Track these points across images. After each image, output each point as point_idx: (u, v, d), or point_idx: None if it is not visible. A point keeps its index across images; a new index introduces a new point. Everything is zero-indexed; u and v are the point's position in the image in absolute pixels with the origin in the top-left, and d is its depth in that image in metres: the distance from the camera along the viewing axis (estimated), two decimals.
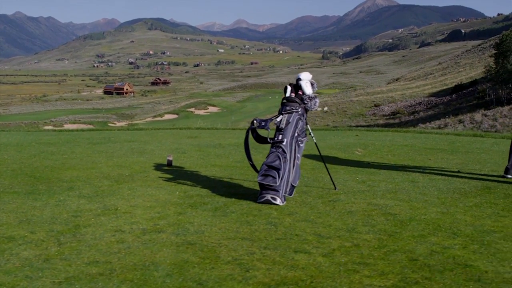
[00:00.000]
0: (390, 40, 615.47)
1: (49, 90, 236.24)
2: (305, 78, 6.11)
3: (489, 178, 7.00)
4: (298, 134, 5.80)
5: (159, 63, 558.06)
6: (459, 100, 64.05)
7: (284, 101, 5.96)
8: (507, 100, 53.19)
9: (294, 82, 6.23)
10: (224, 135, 13.28)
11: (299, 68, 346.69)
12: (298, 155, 5.81)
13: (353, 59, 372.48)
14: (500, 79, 56.10)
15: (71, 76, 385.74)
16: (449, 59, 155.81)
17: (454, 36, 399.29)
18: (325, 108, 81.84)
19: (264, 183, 5.44)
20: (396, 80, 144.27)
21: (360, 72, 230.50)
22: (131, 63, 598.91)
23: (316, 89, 6.20)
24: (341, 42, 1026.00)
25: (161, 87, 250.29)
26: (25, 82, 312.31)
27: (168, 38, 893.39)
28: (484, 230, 4.56)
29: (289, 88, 6.09)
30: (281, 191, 5.46)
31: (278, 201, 5.43)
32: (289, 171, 5.59)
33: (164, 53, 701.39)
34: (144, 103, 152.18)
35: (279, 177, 5.45)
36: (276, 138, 5.73)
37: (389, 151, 9.85)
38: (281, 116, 5.85)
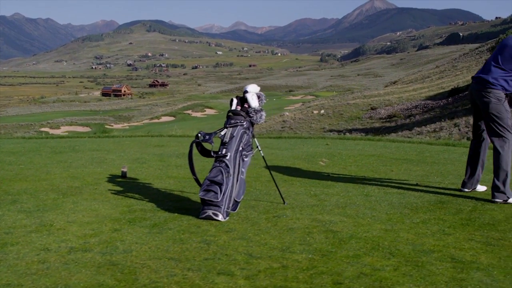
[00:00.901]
0: (388, 43, 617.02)
1: (47, 91, 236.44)
2: (252, 91, 5.97)
3: (446, 191, 6.77)
4: (242, 148, 5.65)
5: (157, 65, 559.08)
6: (455, 104, 63.92)
7: (229, 114, 5.82)
8: None
9: (257, 91, 6.09)
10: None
11: (297, 70, 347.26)
12: (243, 170, 5.65)
13: (351, 61, 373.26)
14: None
15: (69, 77, 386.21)
16: (446, 62, 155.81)
17: (452, 39, 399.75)
18: (322, 111, 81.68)
19: (206, 198, 5.30)
20: (394, 83, 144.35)
21: (358, 75, 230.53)
22: (129, 65, 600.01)
23: (264, 101, 6.04)
24: (339, 45, 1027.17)
25: (159, 89, 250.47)
26: (23, 83, 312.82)
27: (167, 40, 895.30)
28: (423, 250, 4.35)
29: (234, 101, 5.95)
30: (223, 207, 5.30)
31: (220, 217, 5.27)
32: (232, 186, 5.43)
33: (162, 55, 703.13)
34: (141, 105, 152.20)
35: (221, 192, 5.30)
36: (219, 152, 5.59)
37: (354, 161, 9.61)
38: (225, 129, 5.71)
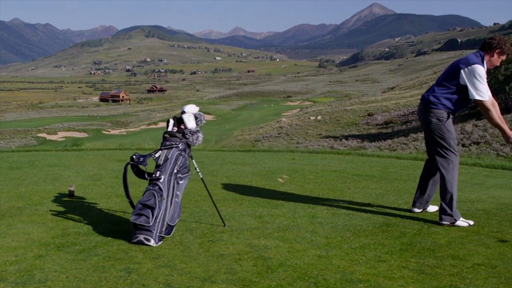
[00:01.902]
0: (386, 49, 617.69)
1: (46, 97, 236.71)
2: (190, 111, 5.82)
3: (397, 212, 6.55)
4: (178, 170, 5.49)
5: (156, 70, 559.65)
6: None
7: (165, 135, 5.68)
8: None
9: (195, 111, 5.93)
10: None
11: (295, 76, 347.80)
12: (178, 193, 5.49)
13: (350, 67, 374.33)
14: (491, 89, 55.94)
15: (67, 83, 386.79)
16: (444, 69, 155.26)
17: (450, 45, 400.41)
18: (319, 117, 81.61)
19: (137, 223, 5.12)
20: (391, 89, 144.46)
21: (356, 80, 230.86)
22: (128, 70, 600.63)
23: (203, 122, 5.90)
24: (338, 51, 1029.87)
25: (157, 94, 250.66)
26: (22, 89, 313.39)
27: (166, 45, 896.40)
28: (350, 279, 4.12)
29: (171, 122, 5.80)
30: (155, 231, 5.12)
31: (152, 242, 5.09)
32: (165, 210, 5.26)
33: (161, 60, 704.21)
34: (139, 110, 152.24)
35: (153, 216, 5.14)
36: (154, 175, 5.44)
37: (315, 178, 9.36)
38: (160, 151, 5.55)
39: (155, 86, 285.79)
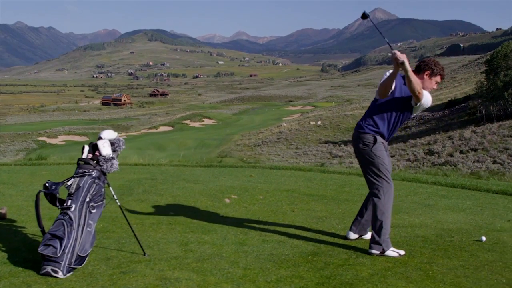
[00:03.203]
0: (389, 54, 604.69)
1: (48, 100, 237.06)
2: (106, 137, 5.64)
3: (331, 239, 6.34)
4: (90, 199, 5.33)
5: (159, 74, 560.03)
6: (451, 116, 63.93)
7: (80, 162, 5.53)
8: (497, 117, 53.09)
9: (112, 137, 5.75)
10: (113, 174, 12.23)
11: (297, 80, 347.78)
12: (90, 222, 5.28)
13: (352, 72, 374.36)
14: (490, 95, 56.00)
15: (70, 86, 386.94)
16: (445, 74, 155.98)
17: (453, 50, 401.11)
18: (319, 122, 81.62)
19: (45, 253, 4.96)
20: None
21: (358, 85, 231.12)
22: (130, 74, 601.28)
23: (122, 147, 5.73)
24: (340, 55, 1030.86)
25: (159, 98, 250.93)
26: (24, 92, 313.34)
27: (168, 49, 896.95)
28: None
29: (86, 148, 5.60)
30: (63, 263, 4.96)
31: (60, 274, 4.90)
32: (75, 240, 5.06)
33: (163, 64, 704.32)
34: (140, 114, 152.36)
35: (61, 247, 4.94)
36: (65, 204, 5.34)
37: (264, 198, 9.10)
38: (72, 179, 5.42)
39: (157, 90, 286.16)
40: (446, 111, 69.15)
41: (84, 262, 5.25)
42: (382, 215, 5.83)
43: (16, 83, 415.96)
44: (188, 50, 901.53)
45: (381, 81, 5.74)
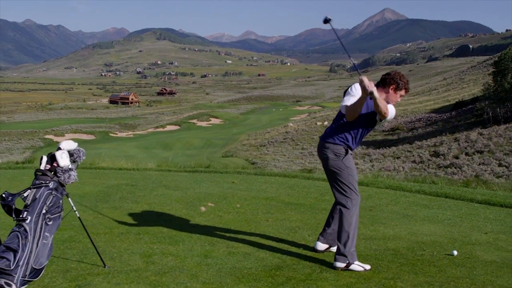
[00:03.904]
0: (398, 54, 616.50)
1: (56, 98, 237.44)
2: (65, 148, 5.55)
3: (299, 251, 6.24)
4: (47, 210, 5.24)
5: (167, 73, 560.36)
6: (458, 118, 63.67)
7: (37, 173, 5.43)
8: (504, 119, 52.82)
9: (72, 148, 5.66)
10: (93, 180, 12.10)
11: (305, 80, 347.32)
12: (47, 234, 5.17)
13: (361, 72, 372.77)
14: (497, 97, 55.72)
15: (78, 84, 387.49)
16: (454, 75, 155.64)
17: (462, 51, 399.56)
18: (325, 123, 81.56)
19: None
20: None
21: None
22: (138, 72, 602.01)
23: (83, 158, 5.64)
24: None
25: (166, 97, 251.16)
26: (32, 89, 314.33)
27: (177, 48, 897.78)
28: None
29: (44, 159, 5.50)
30: (17, 276, 4.86)
31: (13, 287, 4.84)
32: (30, 252, 4.97)
33: (172, 63, 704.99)
34: (148, 113, 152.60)
35: (15, 259, 4.85)
36: (21, 215, 5.21)
37: (241, 206, 8.94)
38: (28, 190, 5.32)
39: (165, 88, 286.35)
40: (453, 113, 68.89)
41: (40, 275, 5.16)
42: (349, 226, 5.76)
43: (24, 81, 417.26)
44: (197, 49, 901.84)
45: (348, 103, 5.59)
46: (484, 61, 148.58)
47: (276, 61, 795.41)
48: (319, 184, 12.19)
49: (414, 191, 11.08)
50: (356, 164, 44.32)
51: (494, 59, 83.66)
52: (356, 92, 5.61)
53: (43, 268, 5.17)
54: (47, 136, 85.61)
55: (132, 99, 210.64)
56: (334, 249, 6.23)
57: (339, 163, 5.76)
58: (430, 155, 43.94)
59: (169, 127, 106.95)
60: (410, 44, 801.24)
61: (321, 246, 6.27)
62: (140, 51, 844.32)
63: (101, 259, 5.64)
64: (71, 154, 5.53)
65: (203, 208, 8.80)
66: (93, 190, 9.99)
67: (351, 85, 5.74)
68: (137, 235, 6.93)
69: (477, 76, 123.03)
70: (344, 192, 5.80)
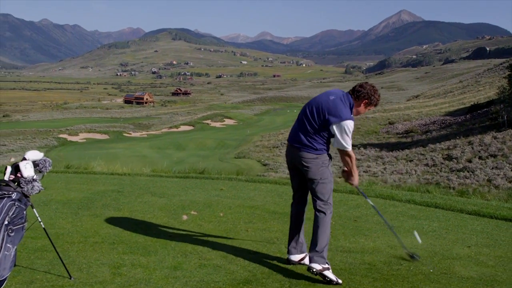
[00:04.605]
0: (414, 56, 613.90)
1: (71, 97, 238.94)
2: (30, 158, 5.42)
3: (271, 264, 6.09)
4: (9, 222, 5.08)
5: (182, 73, 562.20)
6: (472, 121, 63.14)
7: (1, 184, 5.26)
8: None
9: (38, 158, 5.54)
10: (79, 186, 11.89)
11: (321, 81, 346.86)
12: (9, 245, 5.03)
13: (376, 74, 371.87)
14: (507, 103, 55.20)
15: (93, 84, 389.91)
16: (470, 77, 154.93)
17: (479, 53, 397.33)
18: None
19: None
20: (416, 97, 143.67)
21: (382, 87, 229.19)
22: (154, 72, 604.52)
23: (49, 168, 5.48)
24: (365, 57, 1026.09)
25: (181, 97, 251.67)
26: (48, 89, 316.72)
27: (192, 48, 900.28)
28: None
29: (8, 169, 5.38)
30: None
31: None
32: None
33: (187, 63, 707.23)
34: (162, 113, 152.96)
35: None
36: None
37: (224, 215, 8.73)
38: None
39: (179, 89, 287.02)
40: (468, 116, 68.34)
41: (2, 286, 5.02)
42: (327, 232, 5.81)
43: (40, 80, 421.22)
44: (212, 50, 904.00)
45: (349, 148, 5.83)
46: (501, 64, 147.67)
47: (291, 62, 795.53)
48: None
49: (405, 201, 10.77)
50: (369, 167, 44.01)
51: (510, 62, 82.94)
52: (351, 135, 5.78)
53: (4, 279, 5.05)
54: (61, 136, 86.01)
55: (146, 99, 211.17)
56: (306, 261, 6.08)
57: (324, 171, 5.79)
58: (443, 158, 43.50)
59: (183, 128, 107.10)
60: (427, 46, 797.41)
61: (296, 256, 6.15)
62: (155, 51, 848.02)
63: (67, 270, 5.52)
64: (36, 164, 5.45)
65: (184, 217, 8.60)
66: (78, 197, 9.87)
67: (344, 119, 5.68)
68: (111, 244, 6.77)
69: (493, 79, 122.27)
70: (324, 199, 5.82)
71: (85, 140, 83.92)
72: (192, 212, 8.90)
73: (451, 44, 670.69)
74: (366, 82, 6.13)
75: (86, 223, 7.80)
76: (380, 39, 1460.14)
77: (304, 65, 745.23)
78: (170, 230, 7.72)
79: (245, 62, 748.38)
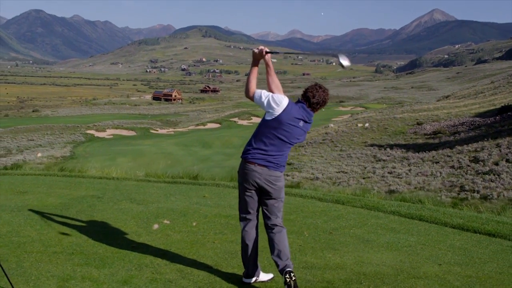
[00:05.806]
0: (446, 56, 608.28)
1: (100, 93, 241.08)
2: None
3: (223, 282, 5.85)
4: None
5: (211, 70, 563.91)
6: (502, 122, 61.95)
7: None
8: None
9: None
10: (59, 190, 11.37)
11: (350, 80, 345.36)
12: None
13: (407, 73, 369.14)
14: None
15: (123, 80, 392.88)
16: (502, 78, 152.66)
17: None
18: (366, 125, 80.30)
19: None
20: (446, 98, 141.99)
21: (412, 87, 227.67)
22: (183, 69, 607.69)
23: None
24: (395, 56, 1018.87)
25: (210, 95, 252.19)
26: (78, 84, 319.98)
27: (222, 46, 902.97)
28: None
29: None
30: None
31: None
32: None
33: (216, 60, 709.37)
34: (190, 110, 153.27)
35: None
36: None
37: (198, 224, 8.38)
38: None
39: (208, 86, 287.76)
40: (497, 117, 67.14)
41: None
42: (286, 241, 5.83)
43: (70, 76, 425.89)
44: (242, 47, 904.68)
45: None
46: None
47: (321, 60, 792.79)
48: (292, 200, 11.31)
49: (389, 212, 10.25)
50: (394, 168, 43.32)
51: None
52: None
53: None
54: (88, 131, 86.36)
55: (175, 96, 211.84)
56: (263, 277, 6.03)
57: (282, 187, 5.86)
58: (469, 160, 42.57)
59: (210, 125, 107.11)
60: (459, 45, 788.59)
61: (253, 279, 5.98)
62: (185, 48, 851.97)
63: (10, 283, 5.19)
64: None
65: (155, 226, 8.25)
66: (55, 202, 9.62)
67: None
68: (69, 255, 6.51)
69: None
70: (280, 213, 5.87)
71: (112, 136, 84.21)
72: (165, 221, 8.57)
73: (484, 44, 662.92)
74: (313, 84, 6.39)
75: (52, 231, 7.49)
76: (411, 38, 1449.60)
77: (334, 63, 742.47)
78: (136, 240, 7.43)
79: (275, 60, 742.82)
